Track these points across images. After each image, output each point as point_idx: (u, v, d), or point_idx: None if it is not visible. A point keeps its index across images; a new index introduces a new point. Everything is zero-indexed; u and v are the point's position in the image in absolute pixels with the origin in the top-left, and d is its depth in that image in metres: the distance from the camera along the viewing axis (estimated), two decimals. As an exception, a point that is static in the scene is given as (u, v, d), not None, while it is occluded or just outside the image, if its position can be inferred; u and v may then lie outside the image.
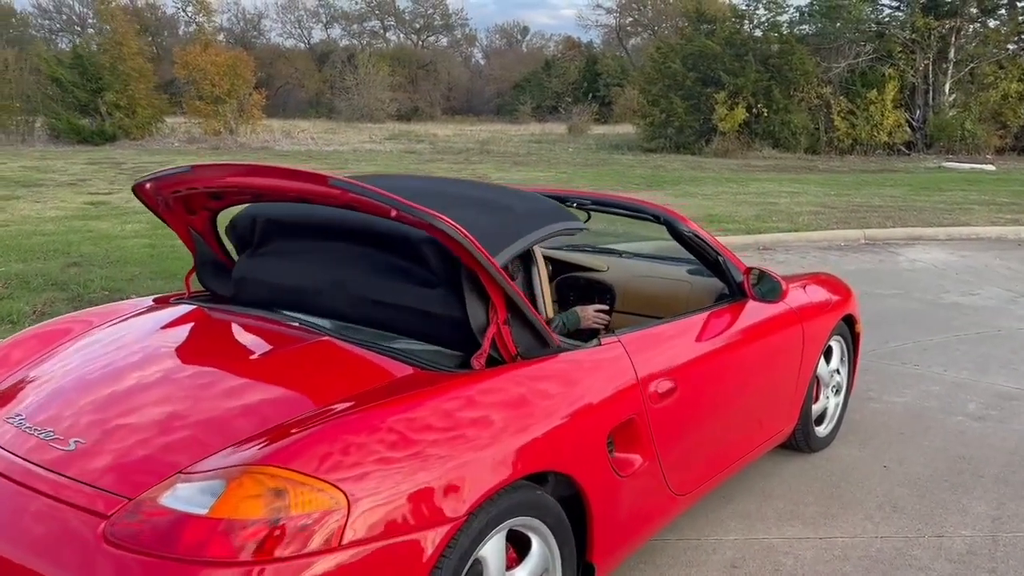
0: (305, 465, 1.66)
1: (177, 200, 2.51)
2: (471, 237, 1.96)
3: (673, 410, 2.56)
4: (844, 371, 3.94)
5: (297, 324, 2.31)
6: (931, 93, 23.81)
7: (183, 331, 2.39)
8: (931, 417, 4.27)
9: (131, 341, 2.32)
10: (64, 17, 50.53)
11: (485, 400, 1.98)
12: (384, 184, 2.81)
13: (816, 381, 3.66)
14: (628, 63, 46.00)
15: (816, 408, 3.73)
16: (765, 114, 22.74)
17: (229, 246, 2.77)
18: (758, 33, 24.54)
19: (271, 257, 2.58)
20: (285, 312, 2.44)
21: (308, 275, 2.46)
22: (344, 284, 2.39)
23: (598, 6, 63.87)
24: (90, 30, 26.19)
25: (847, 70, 23.68)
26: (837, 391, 3.90)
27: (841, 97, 23.24)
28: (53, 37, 47.77)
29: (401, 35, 59.52)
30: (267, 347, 2.21)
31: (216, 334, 2.38)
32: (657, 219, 3.07)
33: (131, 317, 2.55)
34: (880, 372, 4.95)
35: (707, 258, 3.10)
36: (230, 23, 56.78)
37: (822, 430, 3.82)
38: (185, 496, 1.65)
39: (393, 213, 1.90)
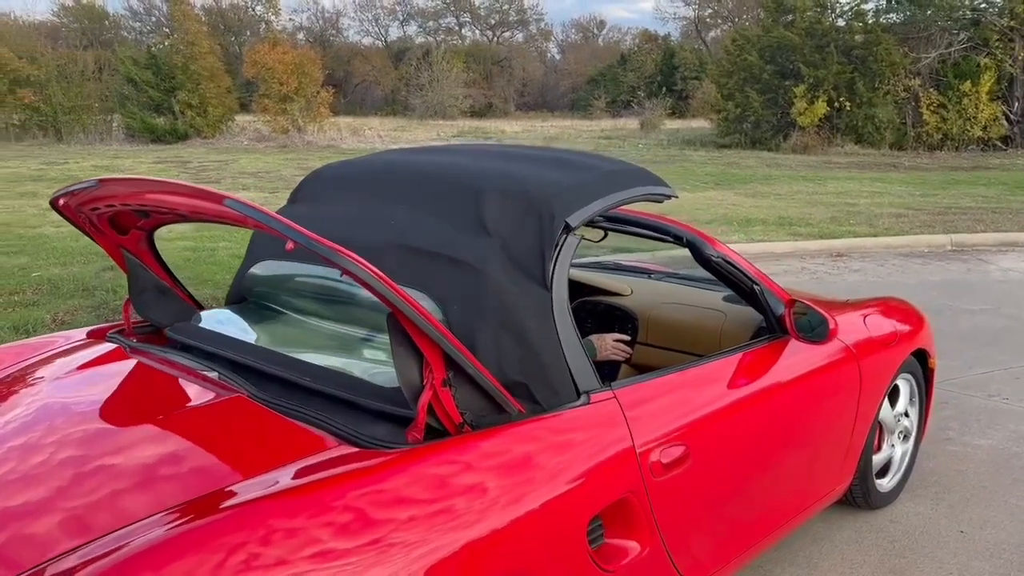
0: None
1: (102, 218, 2.17)
2: (385, 279, 1.54)
3: (683, 482, 2.07)
4: (914, 413, 3.36)
5: (216, 376, 1.92)
6: (1031, 84, 22.17)
7: (74, 384, 2.03)
8: (1021, 467, 3.64)
9: (16, 396, 1.97)
10: (153, 19, 52.01)
11: (408, 492, 1.53)
12: (435, 150, 2.58)
13: (878, 428, 3.11)
14: (707, 56, 44.71)
15: (878, 459, 3.18)
16: (847, 108, 21.50)
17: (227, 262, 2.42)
18: (841, 23, 23.19)
19: (313, 207, 2.34)
20: (209, 360, 2.05)
21: (352, 233, 2.10)
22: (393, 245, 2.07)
23: (677, -2, 62.40)
24: (176, 33, 26.80)
25: (938, 60, 22.24)
26: (905, 437, 3.33)
27: (931, 89, 21.82)
28: (142, 39, 49.27)
29: (477, 31, 59.44)
30: (160, 408, 1.82)
31: (109, 390, 2.00)
32: (680, 241, 2.58)
33: (42, 359, 2.21)
34: (960, 406, 4.31)
35: (742, 287, 2.60)
36: (309, 21, 57.76)
37: (885, 483, 3.26)
38: None
39: (289, 246, 1.51)
